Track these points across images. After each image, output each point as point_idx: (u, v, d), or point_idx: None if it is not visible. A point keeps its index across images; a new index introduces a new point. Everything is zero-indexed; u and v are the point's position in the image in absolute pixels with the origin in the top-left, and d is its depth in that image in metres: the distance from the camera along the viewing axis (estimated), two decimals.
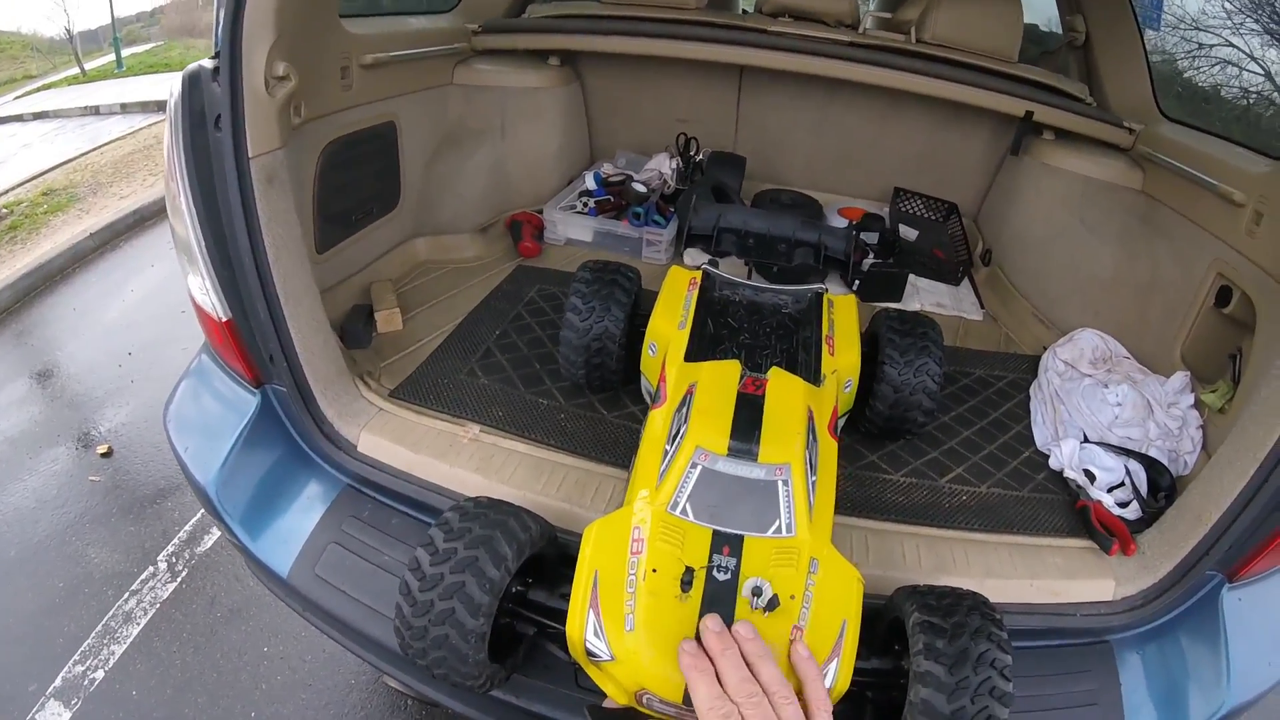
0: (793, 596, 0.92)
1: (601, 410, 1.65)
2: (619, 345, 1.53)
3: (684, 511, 0.99)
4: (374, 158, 2.07)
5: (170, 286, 4.72)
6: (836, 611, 0.92)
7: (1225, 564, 1.25)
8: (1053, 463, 1.63)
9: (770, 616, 0.89)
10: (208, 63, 1.32)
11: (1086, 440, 1.66)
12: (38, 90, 13.46)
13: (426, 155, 2.31)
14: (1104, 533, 1.37)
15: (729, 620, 0.87)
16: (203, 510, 2.72)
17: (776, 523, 0.99)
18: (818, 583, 0.94)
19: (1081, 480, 1.55)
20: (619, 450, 1.52)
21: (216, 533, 2.68)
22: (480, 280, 2.23)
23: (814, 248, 1.72)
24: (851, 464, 1.59)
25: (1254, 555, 1.23)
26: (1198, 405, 1.69)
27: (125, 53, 14.06)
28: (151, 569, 2.58)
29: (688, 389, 1.17)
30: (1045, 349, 2.02)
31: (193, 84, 1.31)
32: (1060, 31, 2.74)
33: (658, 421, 1.16)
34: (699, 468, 1.02)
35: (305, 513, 1.32)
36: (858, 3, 2.61)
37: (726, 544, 0.96)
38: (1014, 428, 1.79)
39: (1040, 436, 1.75)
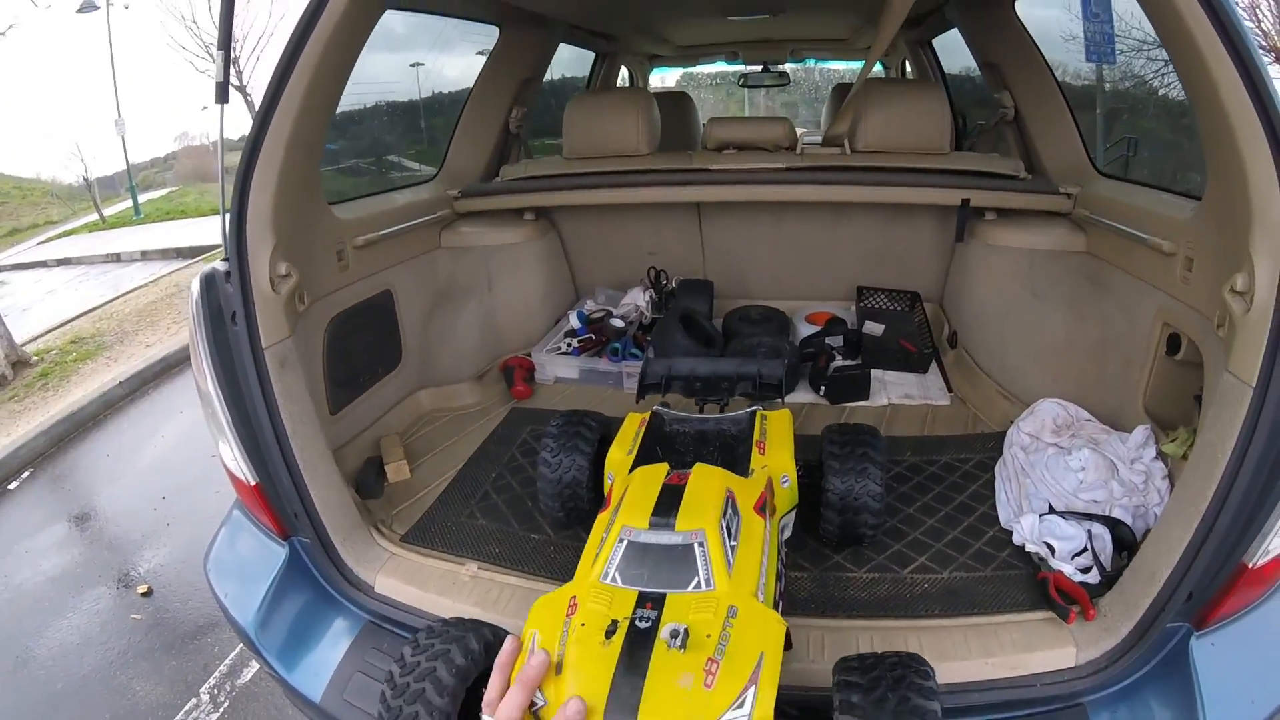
0: (709, 635, 1.01)
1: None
2: (586, 486, 1.71)
3: (613, 580, 1.13)
4: (375, 324, 2.29)
5: (200, 432, 4.82)
6: (754, 645, 1.00)
7: (1189, 614, 1.28)
8: (1015, 539, 1.65)
9: (686, 653, 0.98)
10: (220, 265, 1.62)
11: (1051, 510, 1.68)
12: (60, 236, 14.09)
13: (423, 314, 2.55)
14: (1062, 602, 1.40)
15: (645, 661, 0.98)
16: (241, 645, 2.95)
17: (695, 579, 1.11)
18: (736, 624, 1.03)
19: (1043, 552, 1.57)
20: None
21: (255, 666, 2.87)
22: (479, 425, 2.41)
23: (752, 379, 1.90)
24: (816, 567, 1.66)
25: (1218, 600, 1.26)
26: (1161, 456, 1.71)
27: (141, 198, 14.73)
28: (194, 700, 2.76)
29: (624, 490, 1.33)
30: (1011, 424, 2.03)
31: (209, 285, 1.60)
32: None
33: (600, 522, 1.34)
34: (625, 542, 1.16)
35: (333, 647, 1.53)
36: (793, 127, 2.80)
37: (649, 601, 1.08)
38: (979, 509, 1.83)
39: (1004, 514, 1.78)
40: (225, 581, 1.74)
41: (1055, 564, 1.52)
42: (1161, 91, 3.11)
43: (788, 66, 5.73)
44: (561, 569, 1.67)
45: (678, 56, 4.89)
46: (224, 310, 1.60)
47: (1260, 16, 12.52)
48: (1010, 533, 1.68)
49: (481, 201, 2.74)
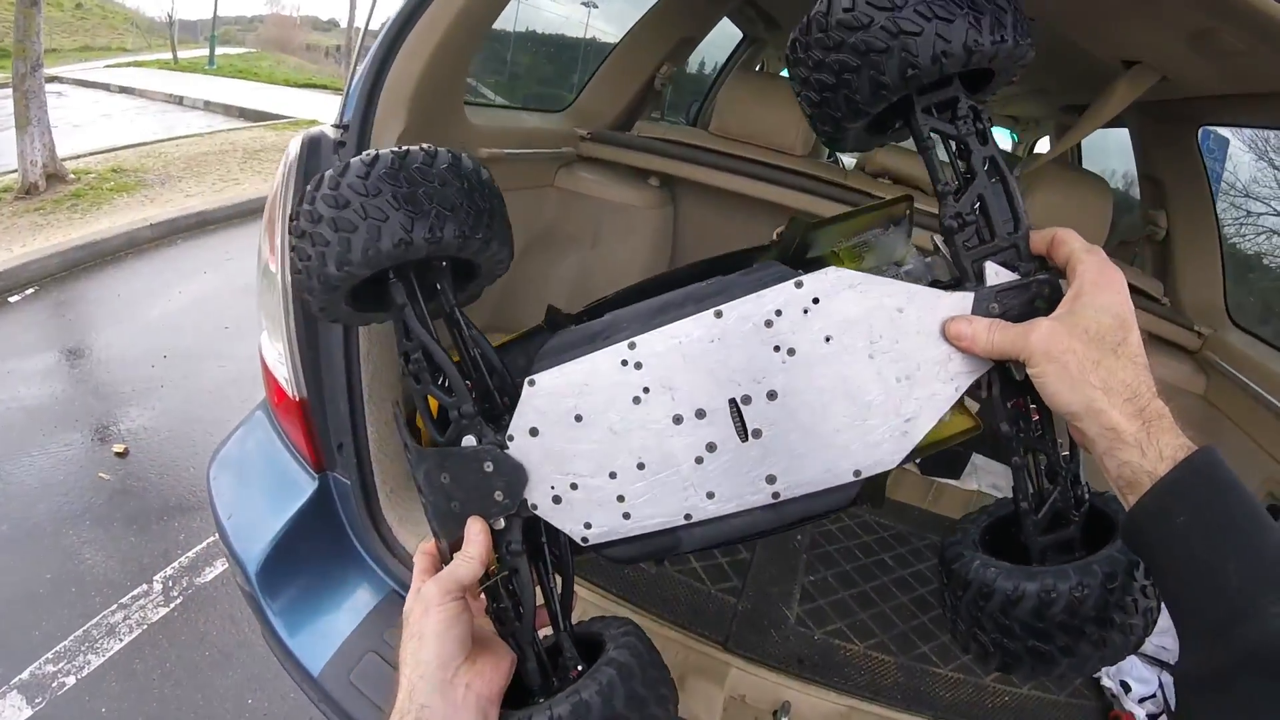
0: None
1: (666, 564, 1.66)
2: None
3: None
4: None
5: (219, 298, 4.79)
6: None
7: None
8: None
9: None
10: (330, 131, 1.34)
11: None
12: (129, 65, 13.90)
13: (517, 256, 2.31)
14: None
15: None
16: (212, 539, 2.71)
17: None
18: None
19: (1117, 689, 1.54)
20: (681, 610, 1.53)
21: (220, 566, 2.64)
22: None
23: None
24: (903, 654, 1.60)
25: None
26: None
27: (219, 51, 14.57)
28: (145, 587, 2.53)
29: None
30: None
31: (312, 149, 1.33)
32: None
33: None
34: None
35: (347, 614, 1.29)
36: None
37: None
38: None
39: None
40: (230, 500, 1.47)
41: (1129, 704, 1.51)
42: None
43: None
44: (635, 590, 1.52)
45: None
46: None
47: None
48: None
49: (612, 151, 2.53)
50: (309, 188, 0.73)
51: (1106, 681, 1.57)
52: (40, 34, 5.81)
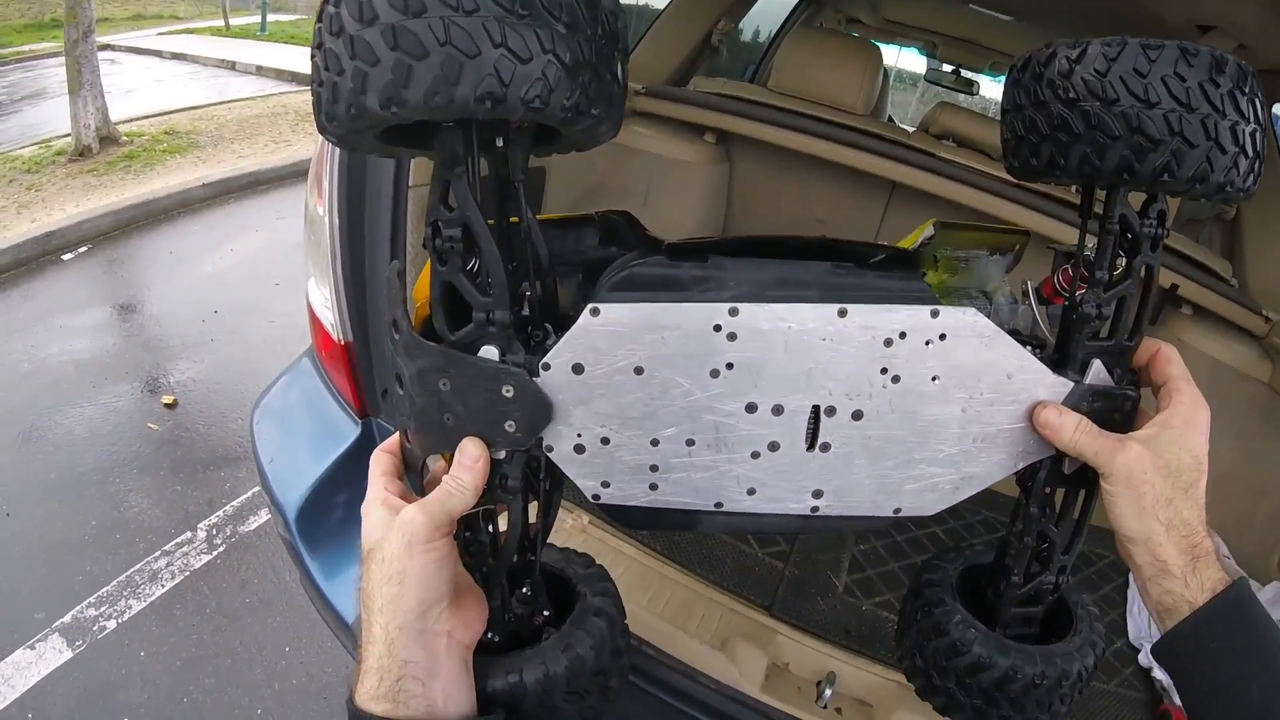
0: None
1: None
2: None
3: None
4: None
5: (269, 255, 4.82)
6: None
7: None
8: (1142, 659, 1.56)
9: None
10: None
11: None
12: (181, 32, 14.07)
13: (566, 207, 2.31)
14: None
15: None
16: (256, 490, 2.73)
17: None
18: None
19: (1167, 684, 1.48)
20: (726, 573, 1.48)
21: (264, 515, 2.67)
22: None
23: None
24: None
25: None
26: None
27: (270, 18, 14.64)
28: (189, 534, 2.57)
29: None
30: None
31: None
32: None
33: None
34: None
35: None
36: None
37: None
38: (1110, 614, 1.69)
39: (1133, 628, 1.67)
40: (272, 444, 1.46)
41: (1178, 698, 1.35)
42: None
43: (978, 77, 5.28)
44: (682, 552, 1.47)
45: (876, 27, 4.52)
46: None
47: None
48: (1138, 650, 1.60)
49: (668, 106, 2.46)
50: None
51: (1158, 673, 1.52)
52: (91, 0, 5.86)
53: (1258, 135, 0.60)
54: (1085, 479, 0.71)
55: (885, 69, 4.33)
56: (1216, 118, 0.57)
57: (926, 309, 0.64)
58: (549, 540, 0.77)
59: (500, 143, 0.61)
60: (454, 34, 0.48)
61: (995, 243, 0.83)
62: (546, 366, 0.61)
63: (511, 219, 0.64)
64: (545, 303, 0.67)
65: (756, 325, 0.62)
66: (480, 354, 0.61)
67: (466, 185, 0.57)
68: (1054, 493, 0.74)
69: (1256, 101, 0.59)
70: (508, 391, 0.60)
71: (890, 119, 3.96)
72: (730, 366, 0.63)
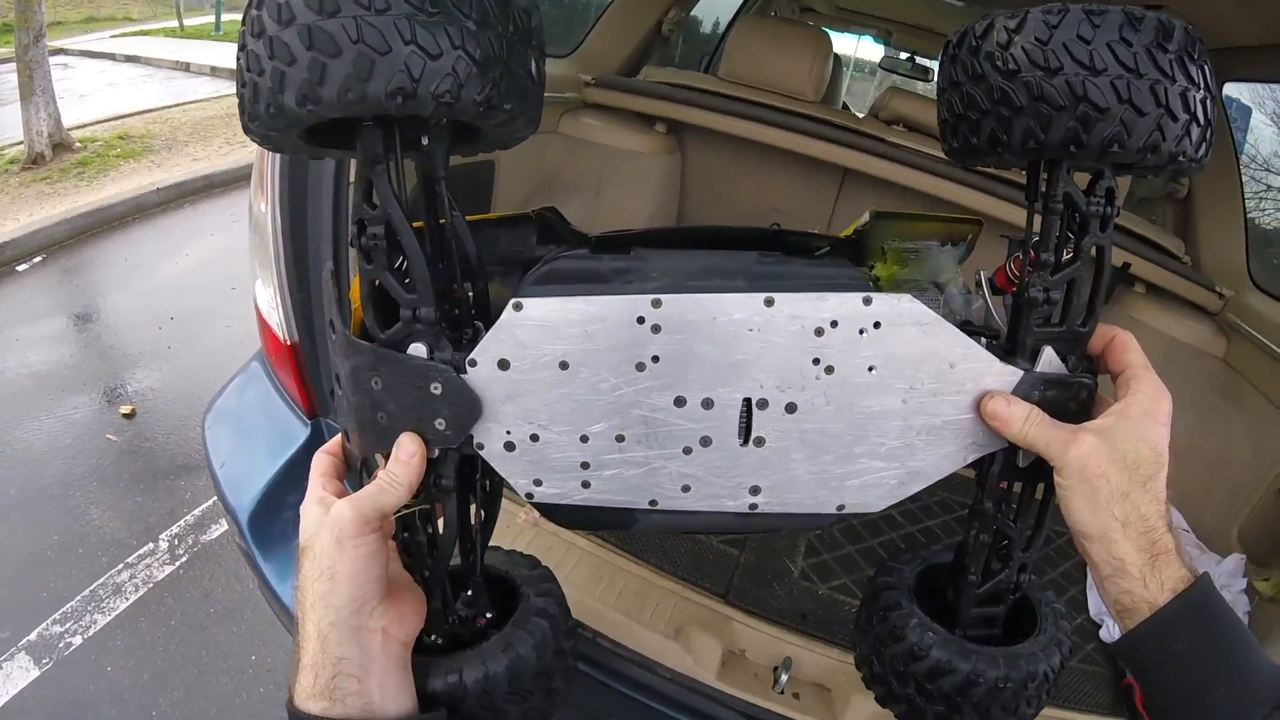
0: None
1: None
2: None
3: None
4: (467, 196, 2.03)
5: (225, 259, 4.75)
6: None
7: None
8: (1103, 634, 1.58)
9: None
10: None
11: None
12: (135, 34, 13.78)
13: (519, 200, 2.29)
14: (1145, 715, 1.33)
15: None
16: (215, 499, 2.70)
17: None
18: None
19: None
20: (681, 561, 1.47)
21: (224, 525, 2.64)
22: None
23: None
24: None
25: None
26: (1249, 590, 1.67)
27: (225, 17, 14.35)
28: (151, 545, 2.54)
29: None
30: None
31: None
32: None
33: None
34: None
35: None
36: None
37: None
38: (1069, 590, 1.71)
39: (1094, 603, 1.68)
40: (224, 449, 1.44)
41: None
42: None
43: (933, 64, 5.33)
44: (635, 543, 1.46)
45: (829, 15, 4.52)
46: None
47: None
48: (1098, 626, 1.62)
49: (618, 97, 2.46)
50: None
51: None
52: (42, 3, 5.73)
53: (1208, 102, 0.58)
54: (1043, 472, 0.66)
55: (840, 57, 4.36)
56: (1166, 83, 0.56)
57: (858, 296, 0.62)
58: (494, 543, 0.76)
59: (425, 141, 0.61)
60: (366, 32, 0.49)
61: (947, 233, 0.81)
62: (473, 363, 0.61)
63: (441, 219, 0.64)
64: (478, 301, 0.67)
65: (681, 316, 0.61)
66: (409, 351, 0.61)
67: (388, 183, 0.58)
68: (1010, 487, 0.71)
69: (1205, 68, 0.58)
70: (436, 389, 0.60)
71: (845, 106, 3.97)
72: (656, 359, 0.62)
